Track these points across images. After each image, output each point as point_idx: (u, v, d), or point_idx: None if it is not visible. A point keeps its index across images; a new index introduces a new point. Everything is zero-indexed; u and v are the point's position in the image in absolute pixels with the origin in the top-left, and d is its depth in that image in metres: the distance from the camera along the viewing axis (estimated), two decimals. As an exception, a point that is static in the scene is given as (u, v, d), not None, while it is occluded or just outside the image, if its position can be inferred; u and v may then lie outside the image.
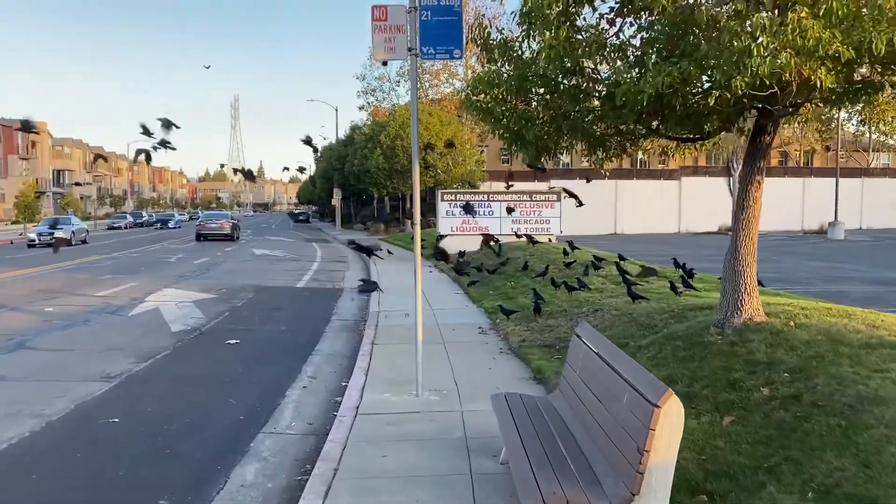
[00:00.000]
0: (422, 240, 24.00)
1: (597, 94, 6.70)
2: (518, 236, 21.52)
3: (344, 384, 8.18)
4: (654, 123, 6.85)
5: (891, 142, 60.96)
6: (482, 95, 7.11)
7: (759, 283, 12.27)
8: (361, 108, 52.16)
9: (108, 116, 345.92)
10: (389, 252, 27.50)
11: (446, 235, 23.96)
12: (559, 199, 24.26)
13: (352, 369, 8.78)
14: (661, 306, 8.94)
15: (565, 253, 15.78)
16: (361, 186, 42.86)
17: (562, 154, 7.73)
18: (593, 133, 7.33)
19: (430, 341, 9.73)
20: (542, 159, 7.67)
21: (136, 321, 12.70)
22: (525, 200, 24.02)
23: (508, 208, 21.70)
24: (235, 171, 14.85)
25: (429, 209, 44.95)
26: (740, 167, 31.42)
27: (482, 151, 50.34)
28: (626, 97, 5.74)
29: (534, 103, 6.98)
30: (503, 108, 6.91)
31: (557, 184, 44.89)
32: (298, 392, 8.02)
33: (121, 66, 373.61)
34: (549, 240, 22.43)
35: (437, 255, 23.72)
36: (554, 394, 5.47)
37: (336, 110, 58.02)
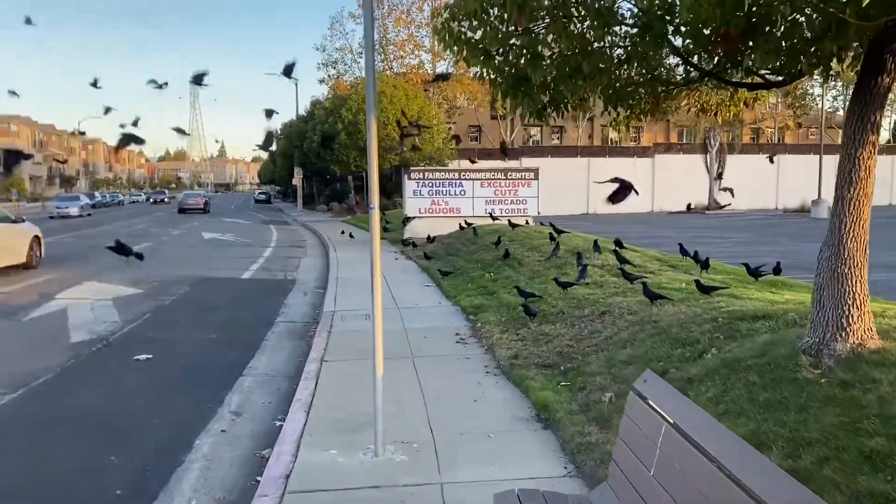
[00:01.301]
0: (387, 222, 21.68)
1: (638, 17, 4.56)
2: (493, 218, 19.45)
3: (278, 423, 6.02)
4: (717, 59, 4.72)
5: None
6: (467, 22, 4.92)
7: (777, 270, 10.39)
8: (322, 81, 49.40)
9: (58, 95, 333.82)
10: (351, 236, 25.25)
11: (413, 218, 21.82)
12: (536, 178, 22.19)
13: (291, 397, 6.62)
14: (694, 311, 6.88)
15: (552, 238, 13.73)
16: (322, 165, 40.27)
17: (575, 108, 5.57)
18: (619, 78, 5.20)
19: (395, 355, 7.59)
20: (553, 113, 5.50)
21: (31, 328, 10.31)
22: (499, 179, 21.89)
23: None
24: (179, 130, 12.42)
25: (395, 189, 42.66)
26: (717, 143, 29.56)
27: (450, 128, 48.03)
28: (695, 13, 3.63)
29: (542, 31, 4.79)
30: (498, 36, 4.72)
31: (528, 162, 42.87)
32: (212, 440, 5.80)
33: (69, 41, 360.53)
34: (527, 222, 20.38)
35: (405, 240, 21.58)
36: (599, 490, 3.34)
37: (296, 85, 55.18)
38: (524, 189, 21.91)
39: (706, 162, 45.35)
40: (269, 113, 8.76)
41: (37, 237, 17.11)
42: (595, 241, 12.70)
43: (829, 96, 56.43)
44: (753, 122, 57.49)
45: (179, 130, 14.16)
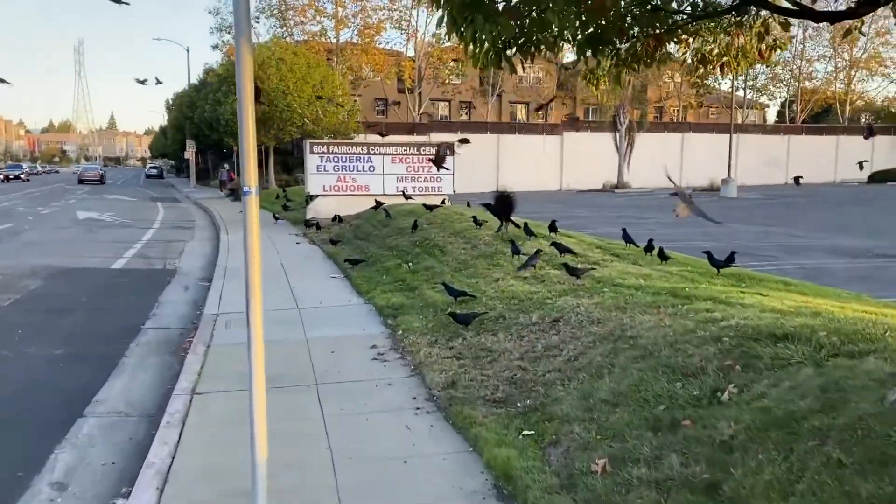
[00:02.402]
0: (287, 199, 19.48)
1: None
2: (407, 197, 17.64)
3: (119, 504, 4.11)
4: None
5: (762, 99, 61.88)
6: None
7: (730, 259, 9.04)
8: (216, 47, 45.82)
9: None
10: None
11: (317, 196, 19.71)
12: (452, 153, 20.49)
13: (146, 452, 4.69)
14: (684, 325, 5.35)
15: (476, 222, 12.09)
16: (216, 137, 37.12)
17: (551, 50, 3.86)
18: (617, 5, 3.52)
19: (293, 382, 5.78)
20: (518, 55, 3.77)
21: None
22: (412, 154, 20.07)
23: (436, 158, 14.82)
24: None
25: (297, 164, 39.95)
26: (626, 121, 28.67)
27: (356, 101, 45.69)
28: None
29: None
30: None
31: (438, 138, 41.15)
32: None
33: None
34: (443, 201, 18.69)
35: (308, 220, 19.43)
36: None
37: (188, 51, 50.73)
38: (438, 165, 20.17)
39: (615, 140, 44.99)
40: (143, 81, 7.22)
41: None
42: (525, 224, 11.14)
43: (728, 78, 57.53)
44: (658, 101, 57.91)
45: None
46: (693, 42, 4.48)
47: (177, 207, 30.95)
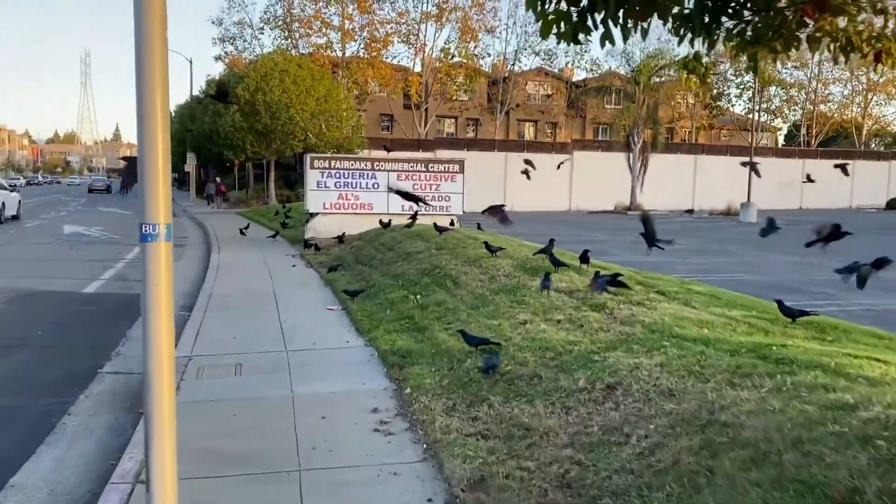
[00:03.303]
0: (287, 216, 18.01)
1: None
2: (414, 217, 16.24)
3: None
4: None
5: (776, 122, 60.64)
6: None
7: (805, 313, 7.09)
8: (218, 58, 44.70)
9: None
10: (242, 232, 21.45)
11: (317, 214, 18.35)
12: (461, 171, 19.18)
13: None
14: (803, 411, 3.91)
15: (489, 249, 10.68)
16: (216, 150, 35.86)
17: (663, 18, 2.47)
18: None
19: (269, 464, 4.36)
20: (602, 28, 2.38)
21: None
22: (419, 171, 18.74)
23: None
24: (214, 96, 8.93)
25: (299, 180, 38.64)
26: (640, 142, 26.68)
27: (360, 116, 44.50)
28: None
29: None
30: None
31: (443, 154, 39.87)
32: None
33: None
34: (452, 222, 17.31)
35: (306, 240, 18.04)
36: None
37: (190, 62, 49.41)
38: (447, 184, 18.83)
39: (629, 160, 43.62)
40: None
41: None
42: (552, 254, 9.72)
43: (743, 99, 56.42)
44: (670, 122, 56.68)
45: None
46: (842, 22, 3.12)
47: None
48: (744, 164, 12.13)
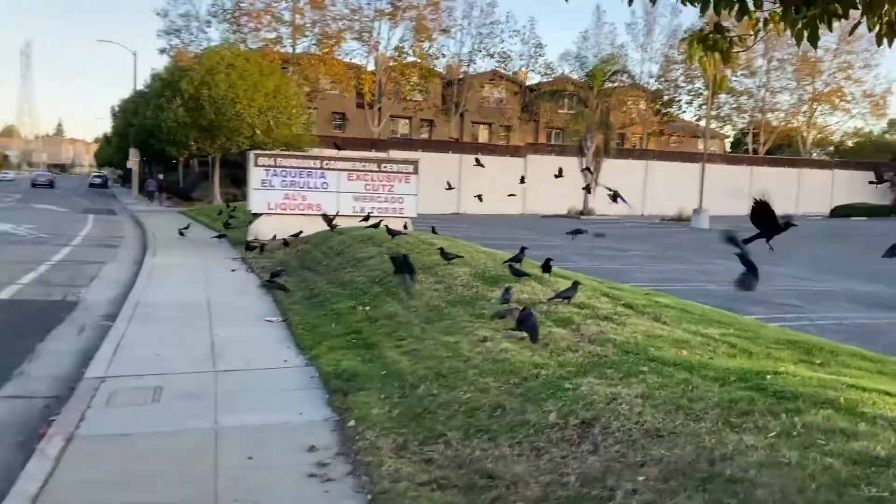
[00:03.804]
0: (231, 216, 16.88)
1: None
2: (366, 219, 15.41)
3: None
4: None
5: (725, 129, 61.47)
6: None
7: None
8: (163, 51, 42.95)
9: None
10: (181, 233, 20.29)
11: (261, 214, 17.38)
12: (416, 171, 18.44)
13: None
14: (827, 466, 3.27)
15: (445, 256, 9.94)
16: (160, 146, 34.33)
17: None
18: None
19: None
20: None
21: None
22: (371, 171, 17.93)
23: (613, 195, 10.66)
24: None
25: (245, 178, 37.22)
26: (593, 146, 25.73)
27: (311, 113, 43.37)
28: None
29: None
30: None
31: (397, 154, 38.95)
32: None
33: None
34: (405, 225, 16.59)
35: (249, 242, 17.01)
36: None
37: (135, 55, 47.21)
38: (401, 185, 18.06)
39: (581, 165, 43.47)
40: None
41: None
42: (511, 263, 9.03)
43: (693, 106, 57.03)
44: (621, 128, 56.89)
45: None
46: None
47: (109, 221, 28.13)
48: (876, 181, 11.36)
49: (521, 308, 6.71)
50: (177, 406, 5.70)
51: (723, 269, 15.84)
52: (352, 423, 5.16)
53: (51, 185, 67.76)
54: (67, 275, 13.19)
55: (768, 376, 4.71)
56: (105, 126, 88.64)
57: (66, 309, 10.12)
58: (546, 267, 8.73)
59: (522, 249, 9.05)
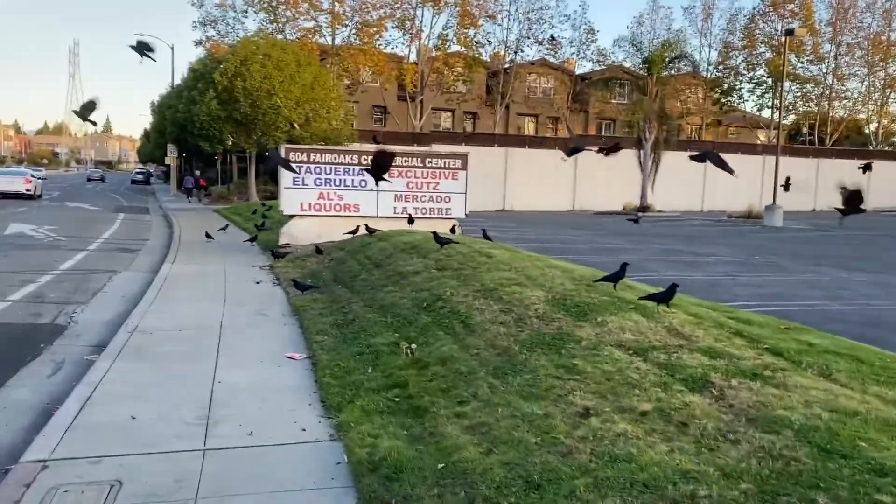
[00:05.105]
0: (264, 217, 14.59)
1: None
2: (410, 222, 13.42)
3: None
4: None
5: (790, 118, 57.86)
6: None
7: None
8: (199, 43, 41.51)
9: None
10: (209, 236, 18.58)
11: (293, 216, 15.57)
12: (465, 167, 16.42)
13: None
14: None
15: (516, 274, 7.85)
16: (193, 141, 32.93)
17: None
18: None
19: None
20: None
21: None
22: (415, 167, 15.96)
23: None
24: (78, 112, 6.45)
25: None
26: (652, 137, 23.07)
27: (352, 107, 41.66)
28: None
29: None
30: None
31: (440, 149, 36.97)
32: None
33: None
34: (453, 228, 14.58)
35: (279, 248, 15.10)
36: None
37: (172, 49, 45.46)
38: (447, 182, 16.05)
39: (639, 158, 40.80)
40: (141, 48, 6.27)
41: None
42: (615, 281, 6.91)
43: (755, 95, 53.71)
44: (678, 118, 53.93)
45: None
46: None
47: (138, 221, 26.75)
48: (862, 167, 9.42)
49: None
50: (132, 523, 3.77)
51: (830, 280, 13.42)
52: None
53: (102, 179, 77.38)
54: (69, 288, 11.49)
55: None
56: (147, 122, 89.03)
57: (50, 336, 8.34)
58: (669, 294, 6.42)
59: (623, 266, 6.92)
